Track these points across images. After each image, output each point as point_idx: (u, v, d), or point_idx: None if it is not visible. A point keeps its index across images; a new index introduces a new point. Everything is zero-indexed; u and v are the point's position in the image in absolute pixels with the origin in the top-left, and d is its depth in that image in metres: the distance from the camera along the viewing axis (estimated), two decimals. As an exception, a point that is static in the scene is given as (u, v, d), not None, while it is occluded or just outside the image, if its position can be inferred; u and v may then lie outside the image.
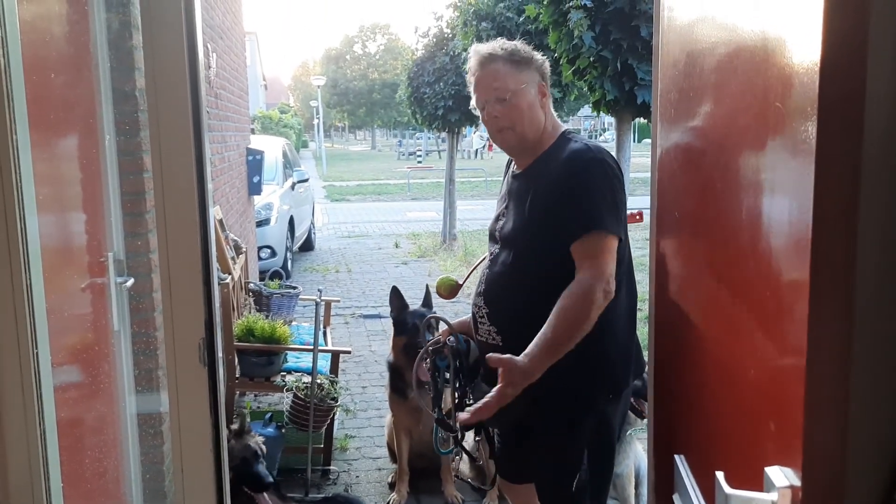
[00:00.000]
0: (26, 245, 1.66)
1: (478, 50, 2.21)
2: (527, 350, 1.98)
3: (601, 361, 2.12)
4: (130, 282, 2.51)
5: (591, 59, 5.05)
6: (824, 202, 0.83)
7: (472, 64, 2.22)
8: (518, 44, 2.22)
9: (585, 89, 5.72)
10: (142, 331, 2.66)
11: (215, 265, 2.09)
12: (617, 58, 4.97)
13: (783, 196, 0.95)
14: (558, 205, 2.06)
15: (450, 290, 2.63)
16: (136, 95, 2.60)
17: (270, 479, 3.21)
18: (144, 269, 2.67)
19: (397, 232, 13.57)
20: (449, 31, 10.49)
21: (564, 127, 2.24)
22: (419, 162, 33.29)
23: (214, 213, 4.62)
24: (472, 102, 2.25)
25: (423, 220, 15.15)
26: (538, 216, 2.11)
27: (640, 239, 9.54)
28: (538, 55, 2.23)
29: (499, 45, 2.20)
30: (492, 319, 2.22)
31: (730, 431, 1.14)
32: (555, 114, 2.27)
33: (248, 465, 3.17)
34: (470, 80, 2.24)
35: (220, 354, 2.04)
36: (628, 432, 3.09)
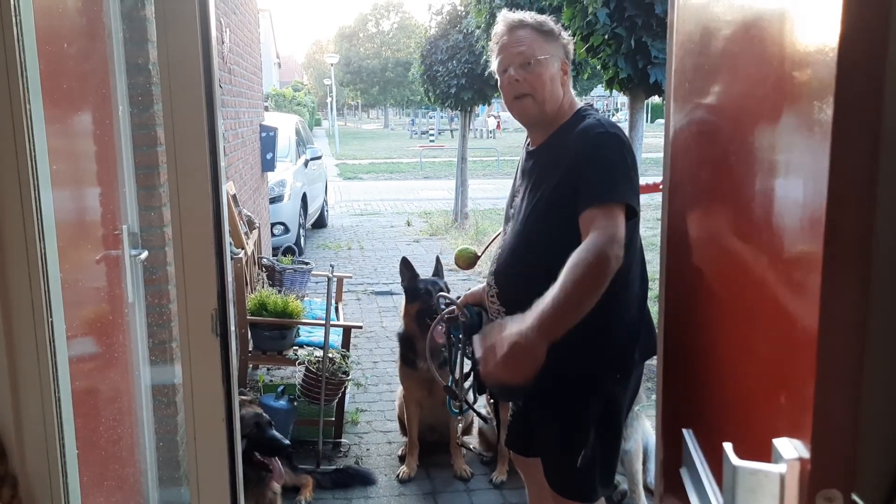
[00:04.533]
0: (41, 217, 1.67)
1: (506, 16, 2.20)
2: (530, 319, 1.80)
3: (609, 342, 2.12)
4: (144, 254, 2.54)
5: (605, 36, 4.99)
6: (840, 176, 0.82)
7: (499, 29, 2.20)
8: (547, 18, 2.21)
9: (598, 68, 5.66)
10: (156, 303, 2.69)
11: (227, 237, 2.10)
12: (631, 35, 4.90)
13: (798, 169, 0.94)
14: (570, 179, 2.02)
15: (468, 261, 2.67)
16: (150, 68, 2.61)
17: (287, 442, 3.23)
18: (158, 242, 2.69)
19: (409, 210, 13.58)
20: (462, 8, 10.41)
21: (581, 104, 2.22)
22: (431, 141, 33.19)
23: (227, 188, 4.63)
24: (493, 66, 2.22)
25: (435, 198, 15.13)
26: (549, 194, 2.09)
27: (650, 219, 9.50)
28: (565, 33, 2.23)
29: (528, 14, 2.19)
30: (501, 300, 2.22)
31: (739, 404, 1.14)
32: (573, 93, 2.25)
33: (263, 431, 3.18)
34: (493, 47, 2.22)
35: (232, 326, 2.06)
36: (636, 409, 3.09)
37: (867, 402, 0.83)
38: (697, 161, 1.48)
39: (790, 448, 0.89)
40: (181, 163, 1.96)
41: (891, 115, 0.81)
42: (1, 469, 1.68)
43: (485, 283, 2.33)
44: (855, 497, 0.83)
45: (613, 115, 43.02)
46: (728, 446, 0.98)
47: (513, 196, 2.29)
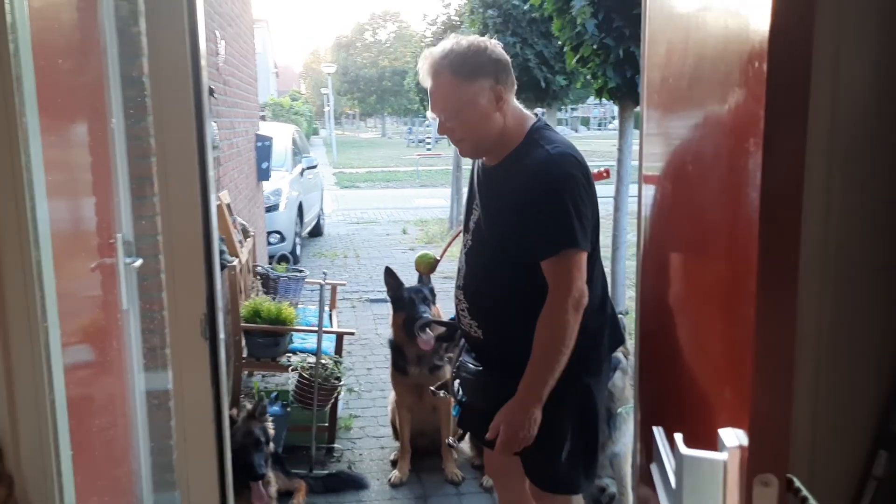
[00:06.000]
0: (35, 228, 1.72)
1: (426, 58, 2.11)
2: (517, 396, 2.09)
3: (580, 341, 2.13)
4: (139, 262, 2.59)
5: (594, 46, 5.07)
6: (771, 185, 0.89)
7: (421, 73, 2.12)
8: (470, 46, 2.06)
9: (589, 77, 5.74)
10: (149, 309, 2.74)
11: (217, 244, 2.16)
12: (619, 45, 4.98)
13: (738, 178, 1.00)
14: (526, 222, 2.05)
15: (428, 266, 2.79)
16: (143, 81, 2.67)
17: (262, 472, 3.16)
18: (152, 250, 2.74)
19: (405, 218, 13.64)
20: (457, 18, 10.51)
21: (532, 120, 2.15)
22: (428, 149, 33.21)
23: (222, 197, 4.69)
24: (429, 111, 2.18)
25: (430, 206, 15.19)
26: (508, 228, 2.12)
27: (632, 222, 9.54)
28: (493, 55, 2.08)
29: (448, 51, 2.06)
30: (472, 314, 2.27)
31: (693, 399, 1.20)
32: (520, 107, 2.18)
33: (245, 454, 3.12)
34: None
35: (221, 333, 2.11)
36: (622, 411, 3.15)
37: (799, 395, 0.90)
38: (663, 166, 1.55)
39: (732, 437, 0.95)
40: (171, 172, 2.02)
41: (817, 119, 0.88)
42: (-3, 469, 1.73)
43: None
44: (791, 476, 0.90)
45: (609, 123, 43.10)
46: (679, 436, 1.04)
47: (470, 209, 2.31)
